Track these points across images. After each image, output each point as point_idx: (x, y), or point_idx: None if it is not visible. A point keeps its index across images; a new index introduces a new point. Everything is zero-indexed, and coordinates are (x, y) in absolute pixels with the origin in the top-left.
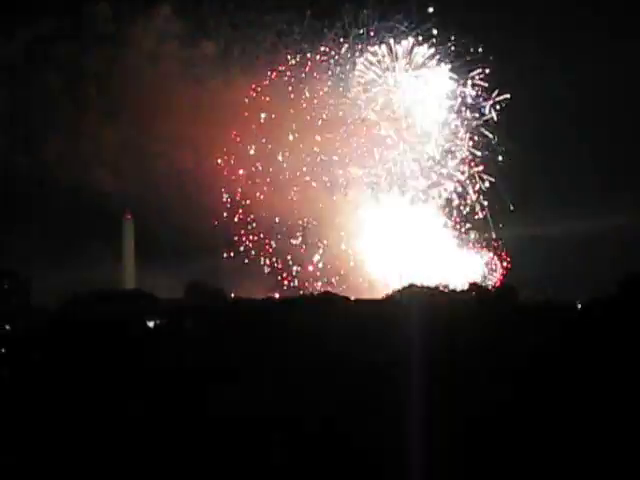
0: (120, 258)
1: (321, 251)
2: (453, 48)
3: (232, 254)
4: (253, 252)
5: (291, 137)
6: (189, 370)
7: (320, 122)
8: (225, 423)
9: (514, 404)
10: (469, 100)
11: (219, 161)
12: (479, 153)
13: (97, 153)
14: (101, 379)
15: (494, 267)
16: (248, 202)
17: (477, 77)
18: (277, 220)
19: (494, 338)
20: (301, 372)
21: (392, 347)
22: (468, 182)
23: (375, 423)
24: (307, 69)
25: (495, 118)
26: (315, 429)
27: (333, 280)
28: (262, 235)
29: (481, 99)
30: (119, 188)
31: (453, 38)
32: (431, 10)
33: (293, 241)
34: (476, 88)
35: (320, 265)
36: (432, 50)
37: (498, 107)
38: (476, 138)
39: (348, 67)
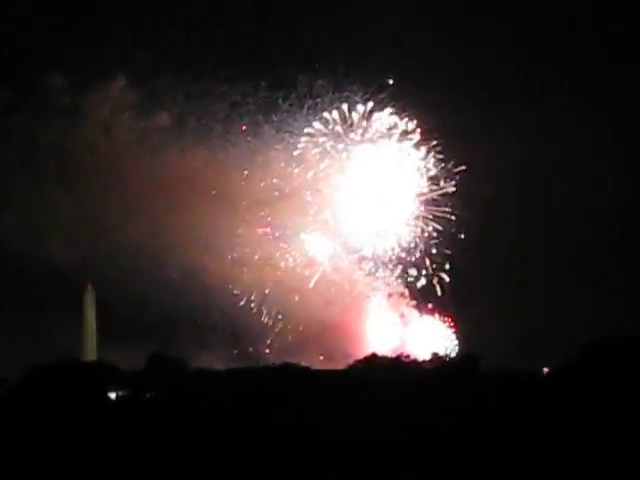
0: (80, 329)
1: (280, 323)
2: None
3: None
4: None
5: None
6: (152, 441)
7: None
8: None
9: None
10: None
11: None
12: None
13: (53, 225)
14: (62, 451)
15: (454, 336)
16: (204, 273)
17: (433, 150)
18: (235, 292)
19: (452, 410)
20: (260, 444)
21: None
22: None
23: None
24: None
25: (452, 190)
26: None
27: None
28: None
29: (438, 171)
30: (75, 260)
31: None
32: (391, 82)
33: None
34: (432, 160)
35: (278, 336)
36: (388, 120)
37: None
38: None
39: (302, 138)
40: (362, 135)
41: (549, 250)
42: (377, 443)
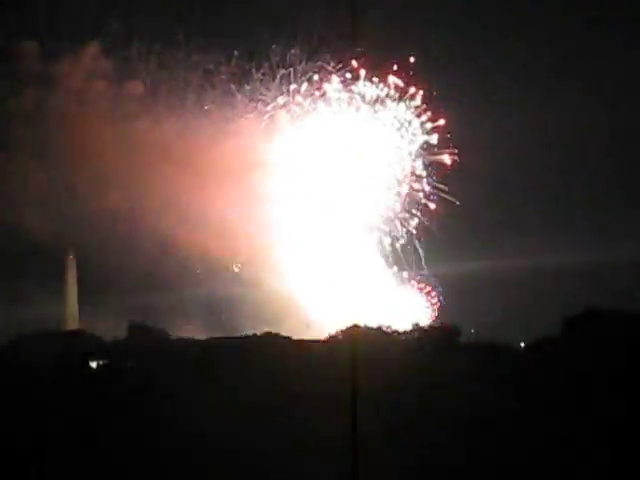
0: (60, 298)
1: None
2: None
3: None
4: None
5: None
6: (134, 411)
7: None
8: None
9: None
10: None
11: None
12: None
13: (26, 193)
14: (44, 421)
15: (433, 306)
16: (180, 242)
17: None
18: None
19: (434, 381)
20: (242, 413)
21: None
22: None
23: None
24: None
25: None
26: None
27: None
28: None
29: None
30: (50, 228)
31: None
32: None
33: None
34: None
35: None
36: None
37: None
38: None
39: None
40: (337, 104)
41: (530, 220)
42: (361, 415)
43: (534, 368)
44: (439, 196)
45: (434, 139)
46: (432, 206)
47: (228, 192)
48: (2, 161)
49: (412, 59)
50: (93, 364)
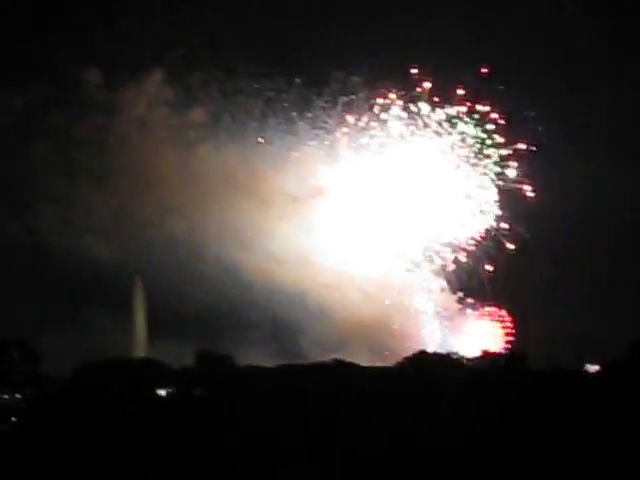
0: (127, 325)
1: (320, 319)
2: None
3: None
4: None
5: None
6: (203, 438)
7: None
8: None
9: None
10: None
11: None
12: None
13: (89, 221)
14: (112, 450)
15: (501, 332)
16: (241, 270)
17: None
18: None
19: (501, 409)
20: (313, 440)
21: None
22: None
23: None
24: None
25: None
26: None
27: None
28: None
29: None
30: (112, 256)
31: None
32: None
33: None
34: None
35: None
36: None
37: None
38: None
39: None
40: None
41: (599, 248)
42: (429, 439)
43: (601, 392)
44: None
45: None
46: (509, 246)
47: (291, 219)
48: (64, 187)
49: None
50: (162, 392)
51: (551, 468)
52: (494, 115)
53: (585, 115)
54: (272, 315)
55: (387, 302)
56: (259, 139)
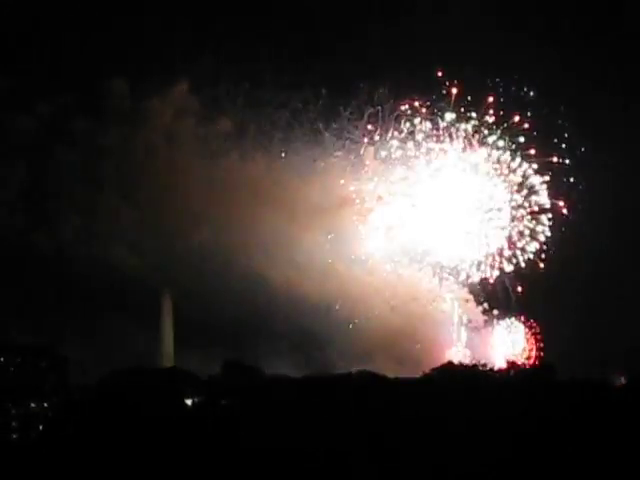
0: (155, 334)
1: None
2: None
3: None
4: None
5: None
6: (229, 448)
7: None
8: None
9: None
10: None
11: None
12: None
13: (115, 230)
14: (139, 456)
15: (527, 343)
16: (268, 280)
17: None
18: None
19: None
20: (342, 451)
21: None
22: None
23: None
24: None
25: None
26: None
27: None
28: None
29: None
30: (139, 265)
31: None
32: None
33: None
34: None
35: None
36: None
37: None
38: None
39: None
40: (426, 142)
41: (630, 261)
42: (459, 451)
43: (630, 406)
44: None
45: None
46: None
47: (316, 229)
48: (90, 196)
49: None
50: (188, 401)
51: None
52: (525, 125)
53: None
54: (298, 326)
55: (412, 313)
56: (282, 152)
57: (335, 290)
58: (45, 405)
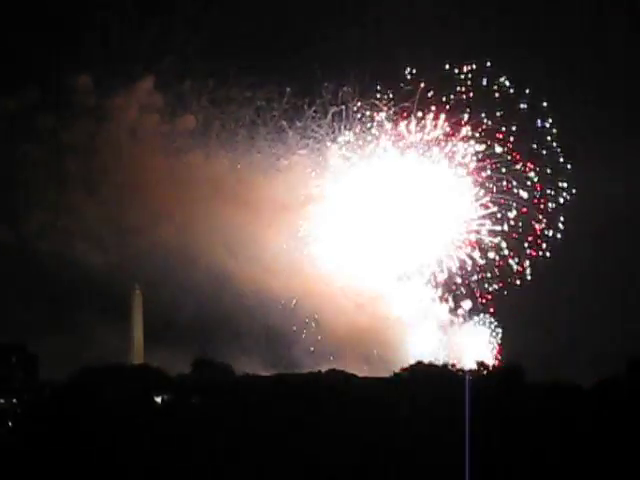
0: (122, 331)
1: (313, 328)
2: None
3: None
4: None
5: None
6: (199, 445)
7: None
8: None
9: None
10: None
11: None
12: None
13: (79, 226)
14: (109, 454)
15: (495, 344)
16: (233, 279)
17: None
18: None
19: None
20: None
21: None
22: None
23: None
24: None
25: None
26: None
27: (331, 357)
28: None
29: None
30: (103, 261)
31: None
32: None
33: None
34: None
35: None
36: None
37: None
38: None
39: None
40: (390, 143)
41: (596, 265)
42: (428, 454)
43: (597, 409)
44: None
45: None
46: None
47: (280, 227)
48: (53, 192)
49: None
50: (158, 399)
51: None
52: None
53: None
54: (264, 324)
55: (377, 312)
56: (246, 150)
57: (300, 288)
58: (14, 401)
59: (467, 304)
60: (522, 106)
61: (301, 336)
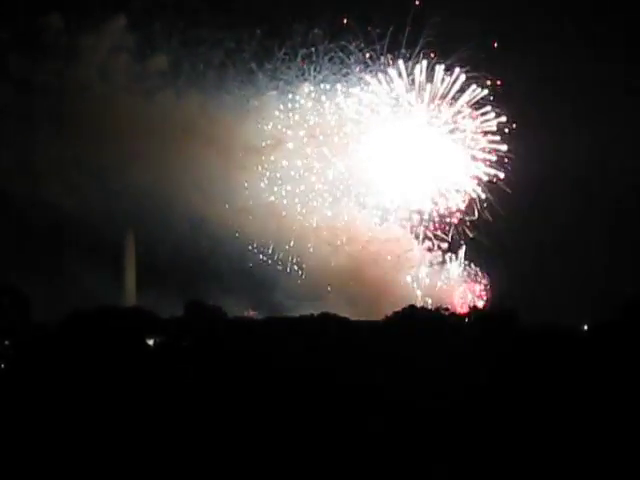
0: (114, 273)
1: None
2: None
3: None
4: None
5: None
6: (190, 389)
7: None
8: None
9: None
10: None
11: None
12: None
13: (49, 168)
14: (100, 395)
15: (490, 288)
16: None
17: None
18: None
19: (496, 366)
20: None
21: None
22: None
23: None
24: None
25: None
26: None
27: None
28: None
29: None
30: (75, 204)
31: None
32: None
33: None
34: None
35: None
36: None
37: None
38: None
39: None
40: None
41: (593, 206)
42: (419, 397)
43: (593, 353)
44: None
45: None
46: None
47: (252, 169)
48: (22, 132)
49: None
50: (150, 341)
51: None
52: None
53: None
54: (242, 267)
55: (358, 254)
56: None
57: (276, 231)
58: (6, 343)
59: (450, 244)
60: None
61: (281, 279)
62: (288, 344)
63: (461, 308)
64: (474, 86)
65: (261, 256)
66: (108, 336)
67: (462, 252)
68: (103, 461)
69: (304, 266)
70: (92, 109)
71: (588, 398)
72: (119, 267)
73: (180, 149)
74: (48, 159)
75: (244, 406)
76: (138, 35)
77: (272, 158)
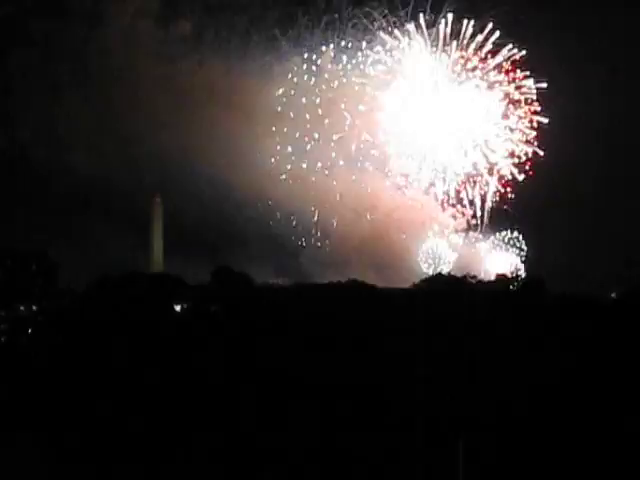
0: (142, 240)
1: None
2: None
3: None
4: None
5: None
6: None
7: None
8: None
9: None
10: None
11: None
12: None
13: (73, 134)
14: (127, 362)
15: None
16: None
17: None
18: (270, 204)
19: (522, 333)
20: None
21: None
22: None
23: None
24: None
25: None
26: None
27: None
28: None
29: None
30: (100, 171)
31: None
32: None
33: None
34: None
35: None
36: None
37: None
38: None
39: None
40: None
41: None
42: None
43: (618, 322)
44: None
45: None
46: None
47: (276, 135)
48: (46, 98)
49: None
50: (177, 307)
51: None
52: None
53: None
54: (267, 233)
55: (384, 221)
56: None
57: (303, 197)
58: (34, 309)
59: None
60: None
61: (306, 245)
62: (321, 313)
63: (488, 276)
64: (510, 45)
65: (286, 222)
66: (136, 302)
67: (487, 219)
68: (130, 423)
69: (329, 233)
70: (116, 74)
71: (615, 365)
72: (146, 234)
73: (204, 115)
74: (73, 126)
75: (276, 375)
76: (162, 0)
77: (296, 124)
